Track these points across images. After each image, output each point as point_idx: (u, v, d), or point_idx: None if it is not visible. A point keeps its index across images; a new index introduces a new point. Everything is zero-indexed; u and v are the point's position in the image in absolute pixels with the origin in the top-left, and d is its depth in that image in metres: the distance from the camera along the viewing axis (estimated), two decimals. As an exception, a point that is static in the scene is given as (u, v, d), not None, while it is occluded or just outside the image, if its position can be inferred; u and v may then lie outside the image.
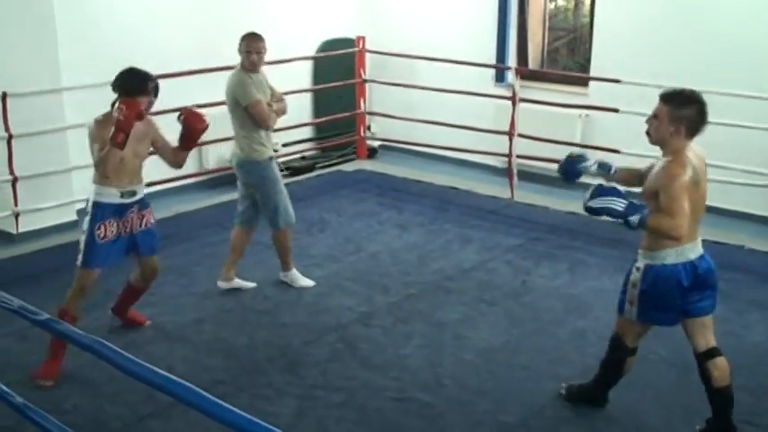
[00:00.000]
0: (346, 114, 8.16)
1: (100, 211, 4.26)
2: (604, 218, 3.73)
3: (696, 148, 3.62)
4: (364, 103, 8.26)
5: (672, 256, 3.53)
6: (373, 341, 4.69)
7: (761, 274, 5.57)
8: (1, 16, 5.79)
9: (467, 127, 7.49)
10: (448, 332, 4.80)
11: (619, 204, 3.50)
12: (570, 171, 3.97)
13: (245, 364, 4.43)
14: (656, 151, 3.67)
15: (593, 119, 7.22)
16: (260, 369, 4.38)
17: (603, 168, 3.88)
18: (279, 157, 5.24)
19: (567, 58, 8.61)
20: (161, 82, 4.35)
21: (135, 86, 4.16)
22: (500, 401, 4.08)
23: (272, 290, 5.36)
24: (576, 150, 4.15)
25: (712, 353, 3.65)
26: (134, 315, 4.85)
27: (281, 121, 5.42)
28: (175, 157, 4.48)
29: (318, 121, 8.18)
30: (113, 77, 4.23)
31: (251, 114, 5.01)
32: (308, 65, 8.18)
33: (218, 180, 7.45)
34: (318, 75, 8.24)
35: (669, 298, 3.57)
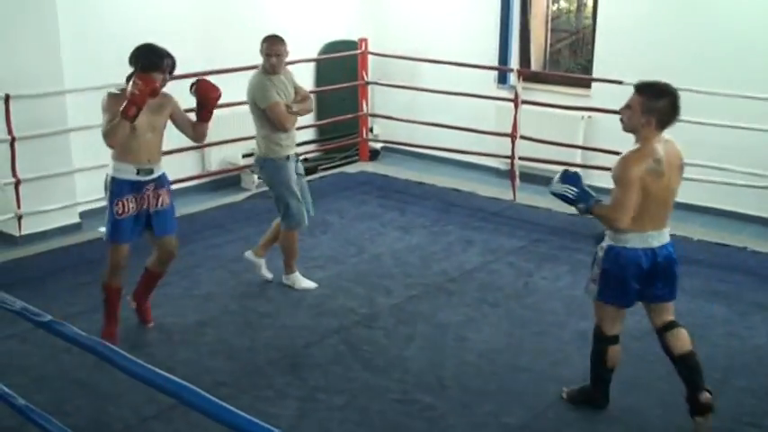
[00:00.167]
0: (349, 116, 8.15)
1: (117, 188, 4.37)
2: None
3: (672, 146, 3.64)
4: (367, 105, 8.26)
5: (635, 240, 3.62)
6: (375, 343, 4.69)
7: (763, 276, 5.56)
8: (4, 19, 5.80)
9: (469, 129, 7.49)
10: (450, 334, 4.80)
11: (571, 192, 3.68)
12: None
13: (246, 366, 4.43)
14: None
15: (595, 120, 7.21)
16: (262, 371, 4.38)
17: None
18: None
19: (570, 59, 8.61)
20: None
21: (152, 62, 4.24)
22: (502, 403, 4.07)
23: (274, 291, 5.36)
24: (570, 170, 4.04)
25: (671, 325, 3.78)
26: (146, 310, 4.85)
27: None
28: (195, 132, 4.60)
29: (321, 122, 8.19)
30: (131, 54, 4.29)
31: (269, 116, 5.05)
32: (311, 67, 8.19)
33: (221, 182, 7.46)
34: (321, 77, 8.25)
35: (627, 279, 3.66)
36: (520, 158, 7.17)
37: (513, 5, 7.87)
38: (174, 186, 6.73)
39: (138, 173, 4.37)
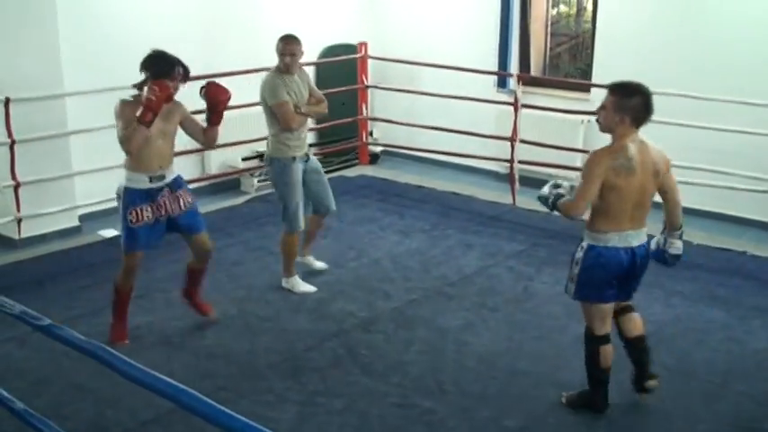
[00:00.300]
0: (348, 120, 8.15)
1: (129, 197, 4.40)
2: None
3: (648, 149, 3.71)
4: (366, 108, 8.27)
5: (615, 239, 3.69)
6: (375, 347, 4.69)
7: (763, 281, 5.56)
8: (4, 22, 5.80)
9: (469, 133, 7.49)
10: (449, 338, 4.80)
11: (544, 190, 3.84)
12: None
13: (246, 370, 4.43)
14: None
15: (594, 125, 7.06)
16: (261, 375, 4.38)
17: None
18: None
19: (569, 63, 8.61)
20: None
21: (162, 70, 4.26)
22: (502, 407, 4.07)
23: (273, 295, 5.35)
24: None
25: (626, 309, 3.97)
26: (200, 303, 4.94)
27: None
28: (206, 137, 4.62)
29: (320, 126, 8.18)
30: (143, 61, 4.32)
31: (276, 115, 5.07)
32: (311, 70, 8.18)
33: (220, 185, 7.46)
34: (321, 80, 8.22)
35: (608, 278, 3.74)
36: (519, 162, 7.17)
37: (513, 9, 7.87)
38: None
39: (150, 180, 4.40)
